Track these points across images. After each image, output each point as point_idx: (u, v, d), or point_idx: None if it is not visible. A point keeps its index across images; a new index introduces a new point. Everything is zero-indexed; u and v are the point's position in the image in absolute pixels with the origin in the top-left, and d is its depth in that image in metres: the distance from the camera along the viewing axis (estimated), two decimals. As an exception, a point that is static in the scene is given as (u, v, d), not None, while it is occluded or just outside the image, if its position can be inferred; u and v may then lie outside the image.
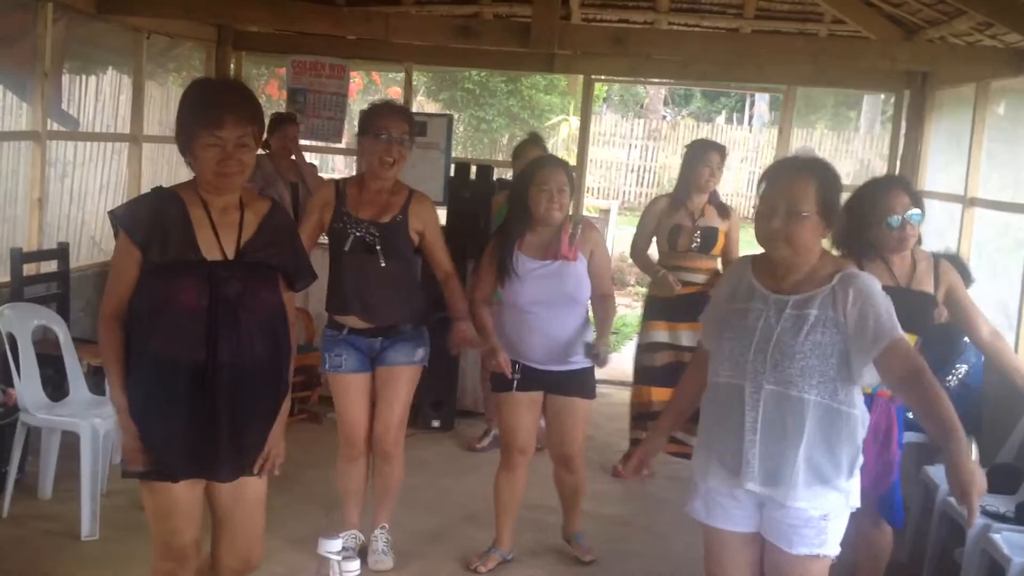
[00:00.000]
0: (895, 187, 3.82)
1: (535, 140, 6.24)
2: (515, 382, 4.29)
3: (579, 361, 4.30)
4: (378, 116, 4.21)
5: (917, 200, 3.80)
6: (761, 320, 2.84)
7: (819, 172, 2.88)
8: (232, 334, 2.88)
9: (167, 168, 8.33)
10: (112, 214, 2.98)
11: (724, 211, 5.79)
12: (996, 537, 3.92)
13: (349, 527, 4.49)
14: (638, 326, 6.23)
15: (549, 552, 4.74)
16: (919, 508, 4.74)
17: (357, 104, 16.69)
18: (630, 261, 13.21)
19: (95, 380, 5.20)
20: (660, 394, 5.49)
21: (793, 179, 2.85)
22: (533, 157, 5.79)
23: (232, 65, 7.86)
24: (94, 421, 4.58)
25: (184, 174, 8.74)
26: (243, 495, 3.07)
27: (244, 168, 2.90)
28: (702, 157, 5.69)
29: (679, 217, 5.69)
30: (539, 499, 4.73)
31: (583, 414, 4.42)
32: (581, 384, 4.36)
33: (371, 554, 4.43)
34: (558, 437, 4.44)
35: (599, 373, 4.46)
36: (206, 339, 2.86)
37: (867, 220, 3.73)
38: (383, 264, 4.16)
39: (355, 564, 1.64)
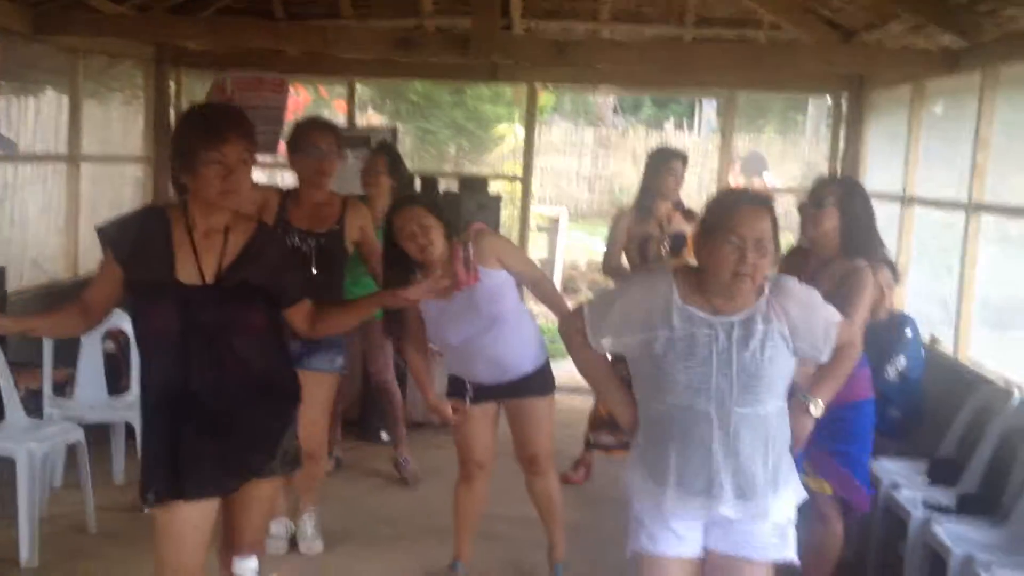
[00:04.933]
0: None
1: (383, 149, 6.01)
2: (468, 398, 4.19)
3: (525, 369, 4.17)
4: (307, 132, 4.44)
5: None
6: (714, 345, 2.77)
7: (769, 204, 2.86)
8: (208, 358, 2.92)
9: (109, 187, 8.24)
10: (99, 229, 3.07)
11: (690, 215, 5.79)
12: (938, 529, 3.96)
13: (277, 515, 4.65)
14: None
15: (498, 562, 4.72)
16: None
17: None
18: (582, 268, 13.42)
19: (32, 404, 5.12)
20: None
21: (758, 214, 2.78)
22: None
23: (172, 82, 7.79)
24: (30, 445, 4.49)
25: (127, 193, 8.60)
26: (246, 500, 3.10)
27: (243, 188, 2.95)
28: (666, 165, 5.69)
29: (648, 227, 5.68)
30: (489, 507, 4.68)
31: (544, 411, 4.27)
32: (538, 383, 4.23)
33: (301, 541, 4.70)
34: (520, 439, 4.32)
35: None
36: (181, 364, 2.91)
37: None
38: (316, 273, 4.30)
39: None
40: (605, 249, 5.86)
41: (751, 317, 2.80)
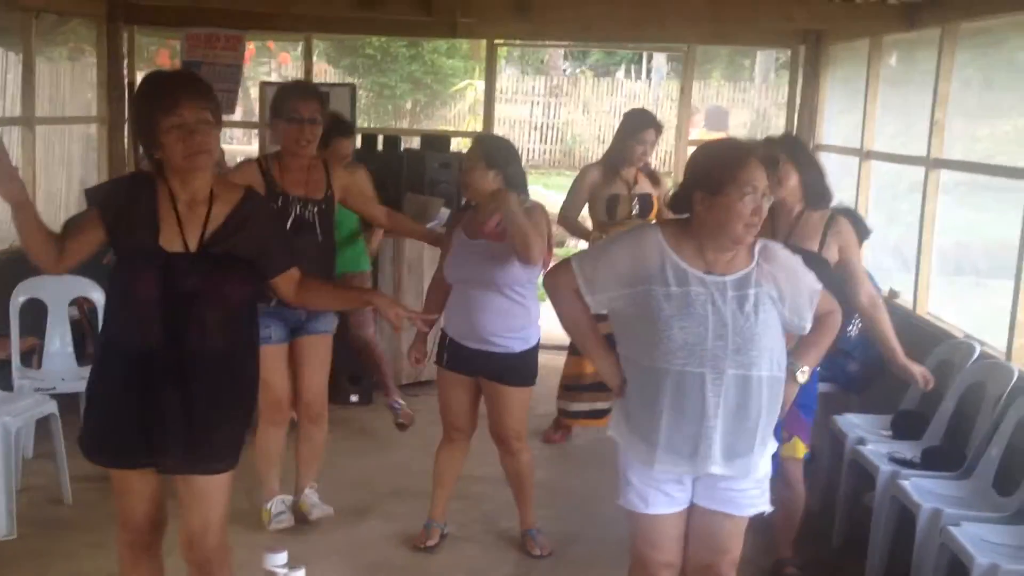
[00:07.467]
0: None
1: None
2: (445, 356, 4.29)
3: (501, 345, 4.16)
4: (289, 98, 4.31)
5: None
6: (709, 305, 2.80)
7: (759, 150, 2.94)
8: (183, 326, 2.93)
9: (59, 146, 8.09)
10: (87, 192, 3.10)
11: (655, 178, 5.83)
12: (905, 484, 4.05)
13: (271, 495, 4.61)
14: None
15: (474, 523, 4.78)
16: (829, 457, 4.88)
17: (250, 70, 16.33)
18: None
19: (0, 375, 5.07)
20: None
21: (758, 166, 2.83)
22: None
23: (125, 38, 7.63)
24: (4, 420, 4.45)
25: (76, 151, 8.31)
26: (194, 488, 3.07)
27: (209, 147, 2.92)
28: (636, 135, 5.63)
29: (615, 187, 5.67)
30: (464, 469, 4.73)
31: (516, 401, 4.29)
32: (513, 372, 4.22)
33: (312, 509, 4.63)
34: (491, 418, 4.37)
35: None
36: (158, 329, 2.92)
37: None
38: (320, 239, 4.35)
39: (301, 573, 1.64)
40: (564, 201, 5.87)
41: (744, 280, 2.85)
